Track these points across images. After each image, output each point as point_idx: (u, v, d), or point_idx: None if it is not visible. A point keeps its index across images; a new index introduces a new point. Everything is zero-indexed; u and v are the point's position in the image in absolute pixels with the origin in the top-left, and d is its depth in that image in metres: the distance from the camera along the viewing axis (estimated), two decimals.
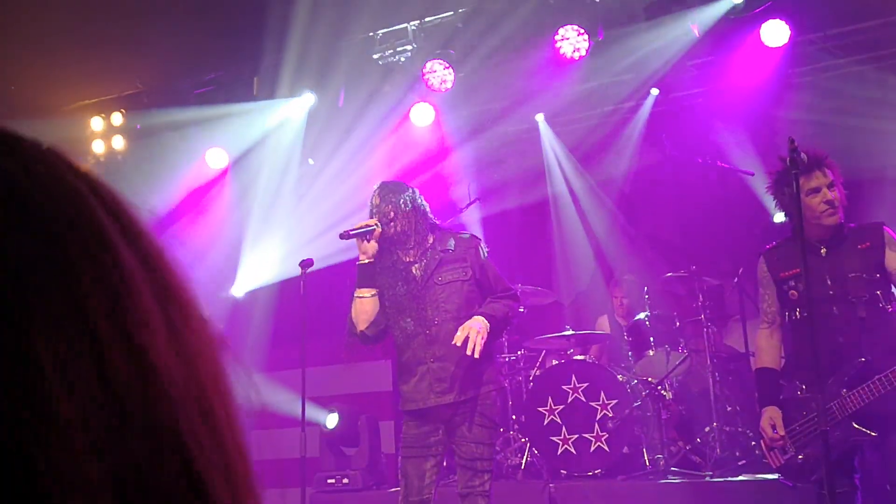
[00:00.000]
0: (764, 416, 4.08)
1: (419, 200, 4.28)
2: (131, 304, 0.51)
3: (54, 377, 0.47)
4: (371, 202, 4.27)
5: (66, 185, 0.53)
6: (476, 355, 3.93)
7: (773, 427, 4.04)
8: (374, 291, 4.18)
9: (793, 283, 4.10)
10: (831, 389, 3.89)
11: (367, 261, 4.18)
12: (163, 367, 0.51)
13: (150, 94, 8.06)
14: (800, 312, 4.07)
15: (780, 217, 4.93)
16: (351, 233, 4.13)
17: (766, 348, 4.26)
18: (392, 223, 4.17)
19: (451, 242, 4.26)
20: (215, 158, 8.47)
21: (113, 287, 0.51)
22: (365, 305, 4.19)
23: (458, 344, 3.94)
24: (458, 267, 4.19)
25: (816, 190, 4.01)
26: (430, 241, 4.25)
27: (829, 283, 4.00)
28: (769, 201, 4.36)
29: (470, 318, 4.05)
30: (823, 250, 4.06)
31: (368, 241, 4.15)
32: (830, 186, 4.02)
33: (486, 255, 4.29)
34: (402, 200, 4.20)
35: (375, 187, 4.33)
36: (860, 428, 3.87)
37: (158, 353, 0.51)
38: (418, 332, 4.15)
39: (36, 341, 0.47)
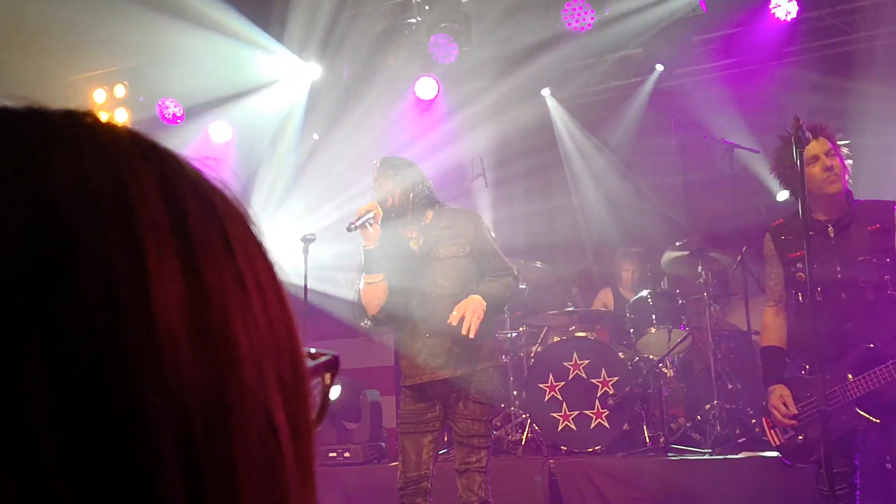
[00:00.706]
0: (774, 395, 4.01)
1: (419, 176, 4.26)
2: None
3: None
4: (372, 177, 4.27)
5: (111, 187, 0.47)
6: (471, 336, 3.92)
7: (786, 405, 4.00)
8: (382, 276, 4.14)
9: (800, 266, 3.99)
10: (837, 374, 3.85)
11: (372, 246, 4.13)
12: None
13: (153, 66, 8.00)
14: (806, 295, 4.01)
15: (783, 195, 4.89)
16: (356, 224, 4.06)
17: (773, 326, 4.20)
18: (389, 197, 4.15)
19: (450, 218, 4.24)
20: (219, 132, 8.44)
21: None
22: (375, 290, 4.16)
23: (454, 324, 3.93)
24: (457, 243, 4.17)
25: (815, 158, 3.91)
26: (429, 216, 4.23)
27: (837, 267, 3.93)
28: (773, 179, 4.30)
29: (467, 294, 4.04)
30: (831, 230, 4.00)
31: (372, 226, 4.11)
32: (829, 154, 3.94)
33: (485, 231, 4.28)
34: (400, 175, 4.19)
35: (376, 162, 4.32)
36: (863, 413, 3.84)
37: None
38: (415, 307, 4.14)
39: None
